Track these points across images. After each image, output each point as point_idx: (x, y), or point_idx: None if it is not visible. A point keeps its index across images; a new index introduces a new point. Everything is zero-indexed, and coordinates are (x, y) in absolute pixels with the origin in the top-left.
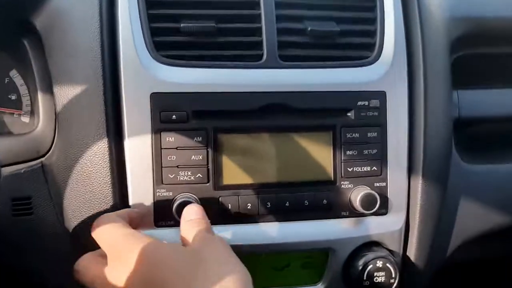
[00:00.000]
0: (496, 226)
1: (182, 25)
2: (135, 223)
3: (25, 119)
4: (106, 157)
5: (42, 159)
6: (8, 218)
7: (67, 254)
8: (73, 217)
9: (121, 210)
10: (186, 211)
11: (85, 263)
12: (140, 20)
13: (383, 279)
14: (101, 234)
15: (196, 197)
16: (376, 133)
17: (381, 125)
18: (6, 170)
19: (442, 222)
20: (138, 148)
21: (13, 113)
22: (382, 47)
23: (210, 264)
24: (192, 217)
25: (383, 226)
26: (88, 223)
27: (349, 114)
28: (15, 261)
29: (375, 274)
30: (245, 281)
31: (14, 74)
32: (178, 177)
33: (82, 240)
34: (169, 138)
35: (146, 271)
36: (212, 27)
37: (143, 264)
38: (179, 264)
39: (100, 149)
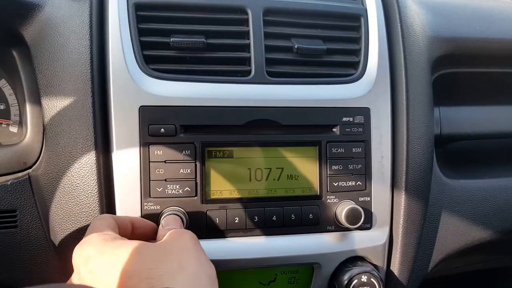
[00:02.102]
0: (476, 241)
1: (172, 39)
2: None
3: (13, 129)
4: (93, 169)
5: (29, 170)
6: None
7: (51, 266)
8: (59, 229)
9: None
10: (165, 219)
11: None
12: (130, 34)
13: None
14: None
15: (183, 211)
16: (360, 149)
17: (365, 140)
18: None
19: (425, 237)
20: (126, 161)
21: (1, 123)
22: (366, 65)
23: (177, 255)
24: (170, 226)
25: (367, 241)
26: (73, 236)
27: (334, 129)
28: None
29: None
30: (209, 274)
31: (3, 83)
32: (166, 190)
33: (67, 252)
34: (157, 152)
35: (113, 268)
36: (201, 42)
37: (111, 261)
38: (144, 258)
39: (87, 162)
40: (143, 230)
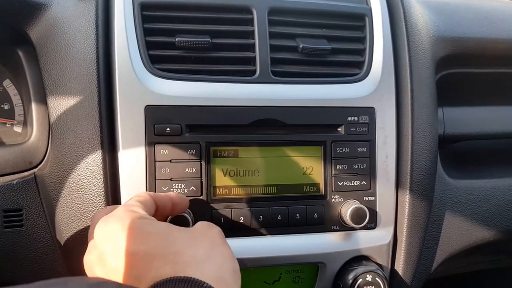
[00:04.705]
0: (479, 240)
1: (177, 39)
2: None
3: (18, 129)
4: (99, 169)
5: (35, 170)
6: None
7: (56, 266)
8: (65, 229)
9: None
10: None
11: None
12: (136, 33)
13: None
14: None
15: (189, 210)
16: (365, 148)
17: (370, 140)
18: None
19: (429, 236)
20: (132, 160)
21: (6, 123)
22: (371, 65)
23: (204, 244)
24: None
25: (372, 240)
26: (79, 235)
27: (339, 129)
28: (2, 272)
29: None
30: (234, 267)
31: (7, 83)
32: (172, 189)
33: (73, 251)
34: (163, 151)
35: (137, 247)
36: (207, 42)
37: (136, 240)
38: (171, 241)
39: (94, 161)
40: (181, 207)
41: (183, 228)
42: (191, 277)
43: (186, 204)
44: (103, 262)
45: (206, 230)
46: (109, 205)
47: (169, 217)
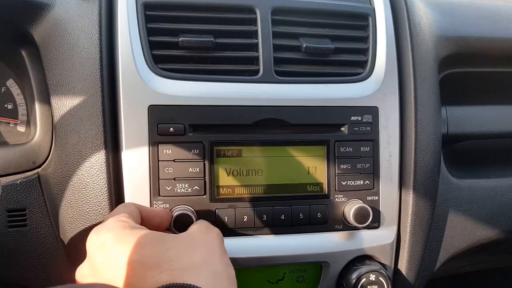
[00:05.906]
0: (483, 240)
1: (180, 39)
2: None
3: (21, 128)
4: (103, 168)
5: (38, 169)
6: (2, 229)
7: (60, 265)
8: (69, 228)
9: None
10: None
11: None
12: (139, 33)
13: None
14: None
15: (192, 209)
16: (368, 148)
17: (373, 139)
18: (2, 181)
19: (432, 236)
20: (135, 160)
21: (9, 122)
22: (374, 64)
23: (201, 250)
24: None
25: (375, 240)
26: (83, 235)
27: (342, 128)
28: (6, 272)
29: (368, 287)
30: (230, 274)
31: (11, 83)
32: (175, 189)
33: (77, 251)
34: (167, 151)
35: (130, 257)
36: (210, 41)
37: (129, 250)
38: (166, 249)
39: (97, 161)
40: (167, 222)
41: (177, 235)
42: (189, 284)
43: (169, 218)
44: (96, 273)
45: (203, 234)
46: (112, 204)
47: (174, 215)
